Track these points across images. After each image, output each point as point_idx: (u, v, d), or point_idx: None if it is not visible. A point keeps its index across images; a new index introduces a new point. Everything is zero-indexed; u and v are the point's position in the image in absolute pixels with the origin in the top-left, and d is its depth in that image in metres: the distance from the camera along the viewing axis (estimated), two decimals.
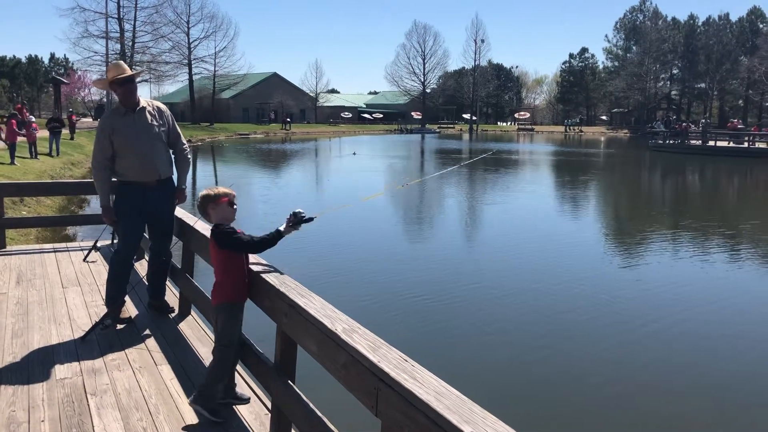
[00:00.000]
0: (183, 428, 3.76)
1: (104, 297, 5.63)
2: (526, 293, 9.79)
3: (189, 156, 5.74)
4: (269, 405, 3.85)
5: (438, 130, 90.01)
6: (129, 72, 5.34)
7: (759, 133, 46.29)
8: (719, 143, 45.49)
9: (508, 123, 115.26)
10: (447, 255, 12.85)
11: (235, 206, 4.06)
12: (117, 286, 5.49)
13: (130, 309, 5.84)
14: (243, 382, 4.33)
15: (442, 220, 18.14)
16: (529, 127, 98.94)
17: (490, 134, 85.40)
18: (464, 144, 61.90)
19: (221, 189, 4.05)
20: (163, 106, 5.59)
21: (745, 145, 43.66)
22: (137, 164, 5.31)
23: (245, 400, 4.07)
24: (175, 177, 5.68)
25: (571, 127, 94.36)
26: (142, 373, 4.51)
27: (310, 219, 3.98)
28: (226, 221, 3.99)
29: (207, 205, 3.99)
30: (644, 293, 10.05)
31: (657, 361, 7.25)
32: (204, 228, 5.25)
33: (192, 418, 3.87)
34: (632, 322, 8.53)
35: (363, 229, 15.07)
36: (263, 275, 3.76)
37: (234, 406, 4.02)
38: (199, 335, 5.35)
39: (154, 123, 5.41)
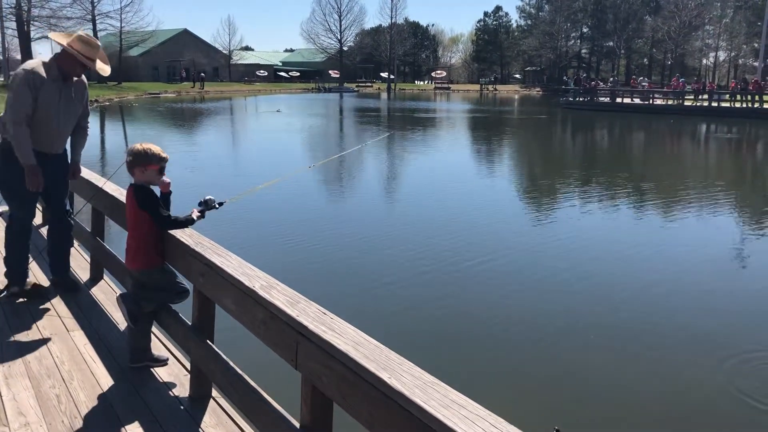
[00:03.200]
0: (99, 393, 3.68)
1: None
2: (440, 246, 10.00)
3: (89, 132, 5.43)
4: (188, 366, 3.82)
5: (356, 89, 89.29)
6: (98, 62, 4.88)
7: (658, 90, 48.33)
8: (626, 100, 47.38)
9: (425, 82, 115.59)
10: (363, 214, 12.94)
11: (164, 175, 3.93)
12: (17, 255, 5.16)
13: (39, 277, 5.60)
14: (160, 343, 4.26)
15: (361, 182, 18.18)
16: (446, 86, 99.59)
17: (407, 93, 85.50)
18: (383, 103, 61.82)
19: (155, 150, 3.84)
20: (85, 82, 5.19)
21: (649, 102, 45.62)
22: (47, 136, 4.95)
23: (163, 362, 4.01)
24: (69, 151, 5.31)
25: (487, 86, 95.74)
26: (54, 340, 4.36)
27: (220, 204, 4.00)
28: (148, 185, 3.88)
29: (137, 165, 3.81)
30: (555, 246, 10.45)
31: (569, 310, 7.60)
32: (115, 190, 5.08)
33: (107, 382, 3.79)
34: (541, 271, 8.88)
35: (278, 189, 14.94)
36: (178, 236, 3.69)
37: (152, 369, 3.96)
38: (112, 299, 5.20)
39: (76, 99, 5.08)
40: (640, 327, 7.08)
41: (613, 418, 5.33)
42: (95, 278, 5.63)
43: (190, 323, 3.65)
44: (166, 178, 3.90)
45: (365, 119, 40.73)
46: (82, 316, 4.82)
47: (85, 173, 5.71)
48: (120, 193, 4.92)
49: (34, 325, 4.59)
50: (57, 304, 5.03)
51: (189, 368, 3.78)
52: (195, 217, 3.87)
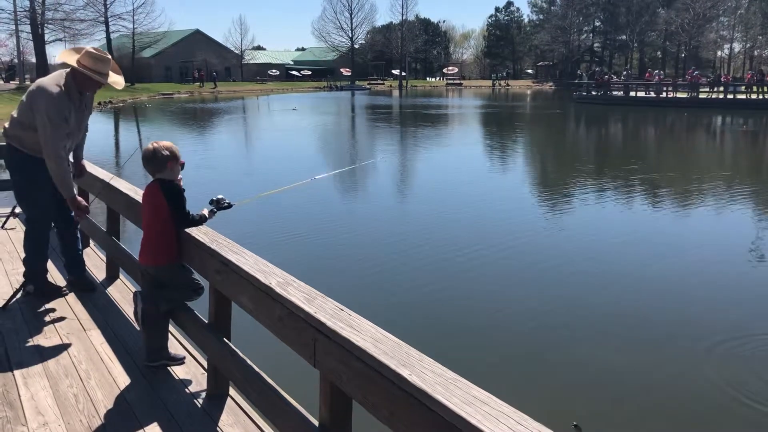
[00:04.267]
0: (117, 392, 3.67)
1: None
2: (453, 240, 9.94)
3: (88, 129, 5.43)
4: (205, 364, 3.80)
5: (368, 86, 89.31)
6: (111, 76, 4.86)
7: (670, 83, 47.85)
8: (639, 94, 46.99)
9: (437, 78, 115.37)
10: (378, 214, 12.91)
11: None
12: (35, 256, 5.20)
13: (56, 277, 5.62)
14: (176, 342, 4.25)
15: (375, 178, 18.14)
16: (458, 81, 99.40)
17: (419, 90, 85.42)
18: (395, 100, 61.75)
19: (175, 146, 3.88)
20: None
21: (663, 95, 45.21)
22: (66, 146, 4.98)
23: (180, 361, 4.00)
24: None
25: (499, 81, 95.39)
26: (71, 339, 4.36)
27: (230, 206, 3.97)
28: (177, 181, 3.88)
29: (170, 160, 3.80)
30: (567, 240, 10.37)
31: (584, 304, 7.53)
32: (128, 188, 5.07)
33: (124, 381, 3.79)
34: (552, 263, 8.81)
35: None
36: (193, 234, 3.66)
37: (169, 367, 3.94)
38: (129, 298, 5.19)
39: (87, 109, 5.10)
40: (664, 320, 7.01)
41: (631, 412, 5.26)
42: (111, 277, 5.63)
43: (206, 321, 3.63)
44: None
45: (377, 117, 40.66)
46: (98, 315, 4.82)
47: (98, 171, 5.72)
48: (135, 192, 4.91)
49: (51, 325, 4.60)
50: (74, 303, 5.04)
51: (206, 366, 3.77)
52: (206, 215, 3.86)
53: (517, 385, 5.61)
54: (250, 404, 3.41)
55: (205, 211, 3.87)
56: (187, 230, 3.74)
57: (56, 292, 5.21)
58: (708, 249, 9.90)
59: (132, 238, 6.79)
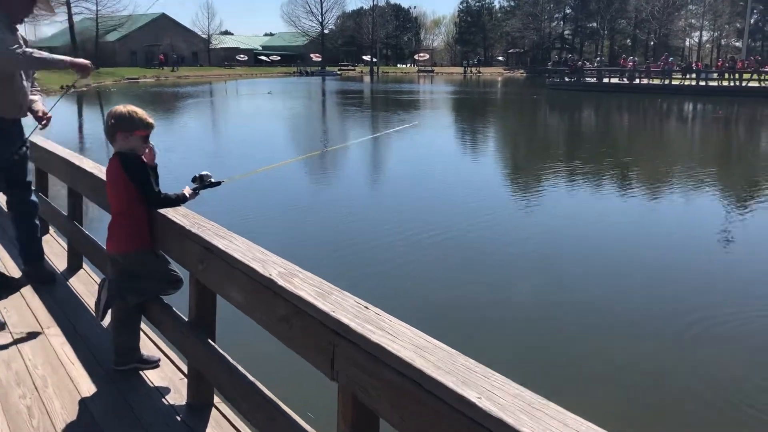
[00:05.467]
0: (79, 401, 3.10)
1: None
2: (436, 229, 9.48)
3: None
4: (185, 369, 3.25)
5: (339, 72, 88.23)
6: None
7: (644, 70, 47.95)
8: (613, 80, 46.99)
9: (408, 65, 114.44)
10: (354, 201, 12.40)
11: (149, 144, 3.30)
12: None
13: (9, 268, 4.99)
14: (150, 342, 3.69)
15: (349, 166, 17.58)
16: (429, 68, 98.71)
17: (391, 76, 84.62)
18: (367, 86, 61.02)
19: (140, 114, 3.25)
20: (25, 38, 4.55)
21: (636, 81, 45.26)
22: (13, 96, 4.34)
23: (154, 364, 3.44)
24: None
25: (470, 68, 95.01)
26: (26, 340, 3.76)
27: (217, 183, 3.41)
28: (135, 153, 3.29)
29: (120, 130, 3.22)
30: (544, 228, 9.99)
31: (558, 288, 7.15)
32: (92, 166, 4.47)
33: (88, 388, 3.22)
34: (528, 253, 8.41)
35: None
36: (170, 216, 3.10)
37: (142, 372, 3.38)
38: (93, 290, 4.58)
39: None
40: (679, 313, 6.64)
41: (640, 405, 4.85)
42: (73, 267, 5.01)
43: (186, 319, 3.08)
44: (151, 146, 3.30)
45: (350, 101, 40.00)
46: (58, 311, 4.22)
47: (58, 149, 5.10)
48: (99, 170, 4.31)
49: (2, 323, 3.99)
50: (30, 298, 4.42)
51: (186, 371, 3.22)
52: (187, 194, 3.29)
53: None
54: (239, 416, 2.88)
55: (187, 190, 3.31)
56: (163, 212, 3.18)
57: (9, 285, 4.58)
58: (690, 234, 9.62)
59: (97, 223, 6.16)
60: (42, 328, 3.94)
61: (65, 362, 3.50)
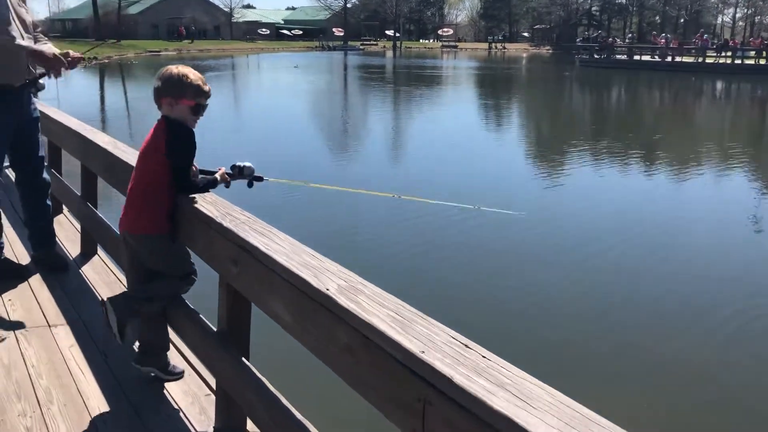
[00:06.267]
0: (89, 423, 2.62)
1: None
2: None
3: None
4: (213, 384, 2.75)
5: (361, 47, 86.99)
6: None
7: (677, 47, 46.49)
8: (644, 57, 45.62)
9: (431, 40, 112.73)
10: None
11: (199, 117, 2.75)
12: None
13: (17, 253, 4.51)
14: (173, 347, 3.18)
15: (371, 142, 17.00)
16: (453, 44, 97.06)
17: (414, 51, 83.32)
18: (390, 61, 60.03)
19: (193, 78, 2.67)
20: None
21: (669, 59, 43.87)
22: (9, 57, 3.83)
23: (178, 375, 2.95)
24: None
25: (495, 44, 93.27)
26: (30, 340, 3.29)
27: (259, 179, 2.88)
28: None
29: (166, 95, 2.68)
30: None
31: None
32: (107, 141, 3.96)
33: (99, 404, 2.74)
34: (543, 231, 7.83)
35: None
36: (196, 204, 2.57)
37: (162, 384, 2.89)
38: (108, 281, 4.13)
39: (23, 5, 3.96)
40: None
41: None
42: (87, 253, 4.54)
43: (215, 329, 2.56)
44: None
45: (375, 77, 39.24)
46: (68, 305, 3.74)
47: (72, 122, 4.59)
48: (114, 146, 3.80)
49: (4, 319, 3.52)
50: (38, 289, 3.94)
51: (214, 388, 2.71)
52: (219, 178, 2.77)
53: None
54: None
55: (221, 172, 2.79)
56: (188, 198, 2.65)
57: (16, 273, 4.11)
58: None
59: (115, 205, 5.67)
60: (49, 326, 3.46)
61: (74, 371, 3.01)
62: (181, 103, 2.66)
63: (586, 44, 52.40)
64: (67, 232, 4.98)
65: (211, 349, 2.53)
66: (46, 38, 4.14)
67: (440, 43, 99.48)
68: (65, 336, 3.35)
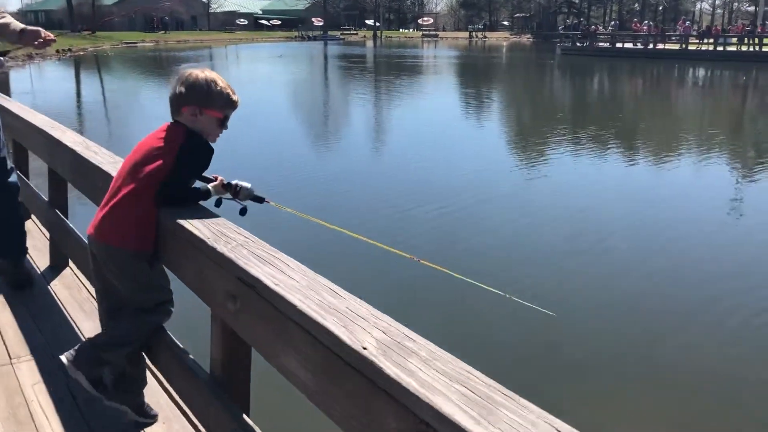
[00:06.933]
0: None
1: None
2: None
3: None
4: (201, 426, 2.29)
5: (341, 37, 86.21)
6: None
7: (659, 34, 46.36)
8: (627, 45, 45.44)
9: (411, 29, 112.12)
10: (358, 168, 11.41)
11: (224, 129, 2.33)
12: None
13: None
14: (154, 380, 2.72)
15: (353, 132, 16.53)
16: (434, 33, 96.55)
17: (394, 41, 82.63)
18: (371, 51, 59.38)
19: (220, 85, 2.25)
20: None
21: (651, 46, 43.74)
22: None
23: (151, 420, 2.48)
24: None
25: (476, 33, 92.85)
26: None
27: (259, 200, 2.38)
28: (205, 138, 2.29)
29: (186, 103, 2.24)
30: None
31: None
32: (75, 141, 3.46)
33: None
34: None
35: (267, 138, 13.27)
36: (181, 220, 2.10)
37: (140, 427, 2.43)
38: (80, 298, 3.65)
39: None
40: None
41: None
42: (57, 266, 4.04)
43: (207, 372, 2.10)
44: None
45: (355, 66, 38.67)
46: (34, 329, 3.26)
47: (35, 118, 4.09)
48: (84, 146, 3.31)
49: None
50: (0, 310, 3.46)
51: None
52: (212, 189, 2.30)
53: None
54: None
55: (215, 184, 2.34)
56: (170, 212, 2.18)
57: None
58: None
59: (88, 212, 5.16)
60: (11, 359, 2.98)
61: (37, 416, 2.54)
62: (207, 114, 2.24)
63: (569, 32, 52.10)
64: (36, 240, 4.48)
65: (201, 398, 2.07)
66: (7, 13, 3.64)
67: (420, 33, 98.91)
68: (28, 372, 2.87)
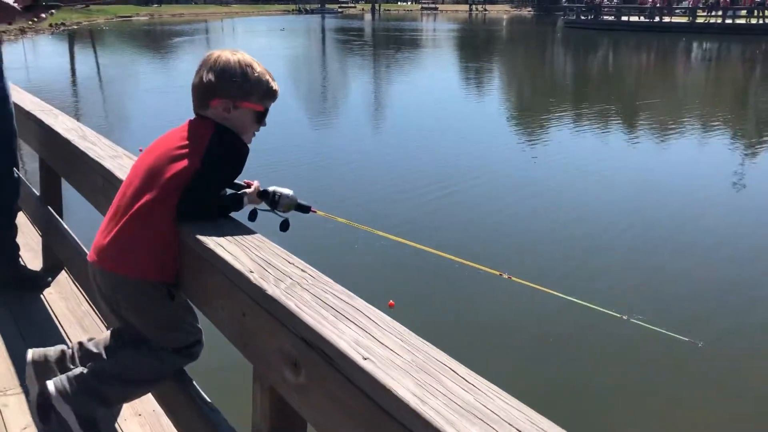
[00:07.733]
0: None
1: None
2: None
3: None
4: None
5: (339, 10, 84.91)
6: None
7: (665, 7, 45.43)
8: (632, 18, 44.50)
9: (409, 2, 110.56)
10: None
11: (262, 125, 1.84)
12: None
13: None
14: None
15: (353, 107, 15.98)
16: (433, 6, 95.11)
17: (393, 14, 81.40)
18: (371, 24, 58.38)
19: (258, 72, 1.78)
20: None
21: (657, 20, 42.85)
22: None
23: None
24: None
25: (476, 6, 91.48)
26: None
27: (305, 209, 1.86)
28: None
29: (216, 95, 1.75)
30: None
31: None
32: (69, 128, 2.95)
33: None
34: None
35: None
36: (212, 242, 1.59)
37: None
38: (79, 313, 3.14)
39: None
40: None
41: None
42: (51, 269, 3.53)
43: None
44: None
45: (355, 41, 37.87)
46: (22, 347, 2.75)
47: (30, 104, 3.55)
48: (79, 133, 2.80)
49: None
50: None
51: None
52: (246, 197, 1.79)
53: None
54: None
55: (251, 189, 1.82)
56: (195, 229, 1.67)
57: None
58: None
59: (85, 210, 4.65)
60: None
61: None
62: (244, 107, 1.76)
63: (572, 5, 51.10)
64: (29, 239, 3.95)
65: None
66: None
67: (420, 6, 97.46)
68: (18, 408, 2.38)
